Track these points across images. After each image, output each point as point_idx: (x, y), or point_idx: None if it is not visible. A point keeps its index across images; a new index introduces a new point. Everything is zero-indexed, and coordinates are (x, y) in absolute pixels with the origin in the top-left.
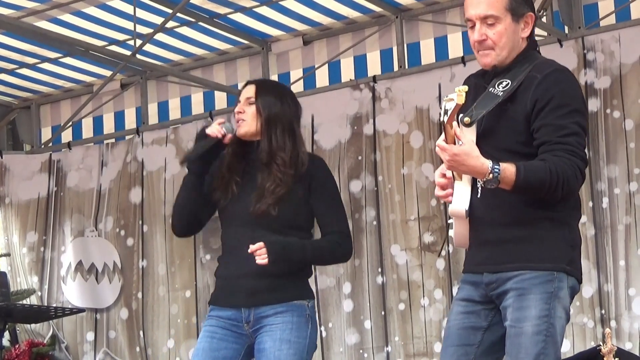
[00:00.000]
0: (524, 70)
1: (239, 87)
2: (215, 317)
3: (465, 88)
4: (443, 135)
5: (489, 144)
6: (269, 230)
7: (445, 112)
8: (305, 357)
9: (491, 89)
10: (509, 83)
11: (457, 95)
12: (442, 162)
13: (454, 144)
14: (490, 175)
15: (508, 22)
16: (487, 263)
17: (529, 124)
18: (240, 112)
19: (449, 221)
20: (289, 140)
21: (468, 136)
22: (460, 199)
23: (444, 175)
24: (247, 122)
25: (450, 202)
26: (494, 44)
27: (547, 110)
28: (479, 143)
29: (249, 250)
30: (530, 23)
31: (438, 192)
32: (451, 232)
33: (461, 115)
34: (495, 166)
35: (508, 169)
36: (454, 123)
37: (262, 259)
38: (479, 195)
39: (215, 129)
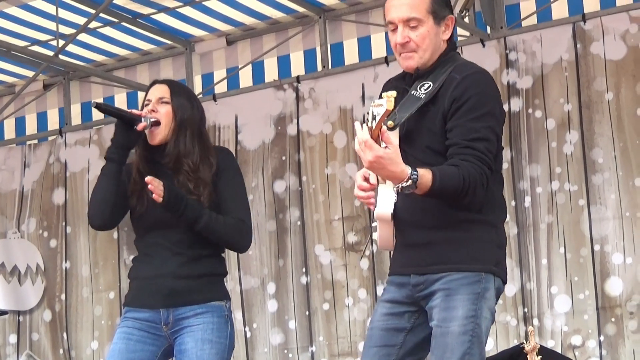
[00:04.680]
0: (445, 71)
1: None
2: (131, 318)
3: (394, 93)
4: (365, 134)
5: (412, 145)
6: (190, 231)
7: (374, 117)
8: (226, 356)
9: (413, 91)
10: (430, 85)
11: (387, 100)
12: None
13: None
14: (409, 182)
15: (430, 25)
16: (414, 264)
17: (446, 123)
18: (154, 112)
19: (373, 224)
20: (196, 146)
21: (393, 141)
22: (385, 202)
23: (366, 180)
24: (161, 127)
25: (371, 205)
26: (416, 47)
27: (462, 111)
28: (401, 145)
29: (146, 180)
30: (451, 25)
31: (358, 192)
32: (375, 235)
33: None
34: (414, 172)
35: (425, 176)
36: (384, 127)
37: (157, 193)
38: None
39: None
